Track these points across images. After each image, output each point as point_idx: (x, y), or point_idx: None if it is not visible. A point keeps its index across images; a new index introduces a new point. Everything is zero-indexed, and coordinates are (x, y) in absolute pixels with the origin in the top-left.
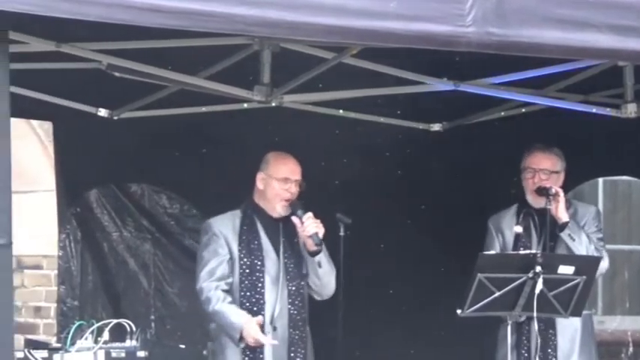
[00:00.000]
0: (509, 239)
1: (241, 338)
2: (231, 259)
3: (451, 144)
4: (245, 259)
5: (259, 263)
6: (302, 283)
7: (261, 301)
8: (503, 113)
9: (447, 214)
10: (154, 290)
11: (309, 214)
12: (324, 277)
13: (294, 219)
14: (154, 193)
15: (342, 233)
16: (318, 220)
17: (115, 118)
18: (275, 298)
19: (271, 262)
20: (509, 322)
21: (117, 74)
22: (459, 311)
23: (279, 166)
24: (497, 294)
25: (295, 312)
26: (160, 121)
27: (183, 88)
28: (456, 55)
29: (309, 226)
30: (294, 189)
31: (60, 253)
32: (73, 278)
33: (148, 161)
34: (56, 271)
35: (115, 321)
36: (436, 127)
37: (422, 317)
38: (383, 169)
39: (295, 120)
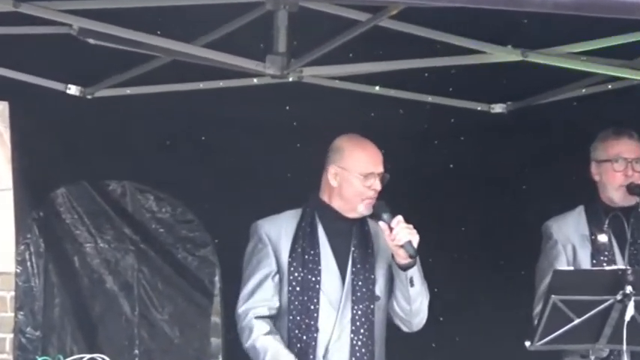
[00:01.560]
0: (583, 251)
1: None
2: (279, 272)
3: (517, 129)
4: (296, 274)
5: (313, 279)
6: (372, 306)
7: (313, 329)
8: (584, 90)
9: (511, 216)
10: (138, 317)
11: (399, 218)
12: (416, 300)
13: (382, 224)
14: (138, 193)
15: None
16: (411, 225)
17: (89, 97)
18: (332, 324)
19: (331, 277)
20: (592, 357)
21: (91, 41)
22: (527, 343)
23: (358, 157)
24: (576, 321)
25: (359, 344)
26: (146, 101)
27: (176, 59)
28: (524, 17)
29: (401, 233)
30: (378, 185)
31: (18, 270)
32: (34, 302)
33: (130, 152)
34: (13, 293)
35: (88, 356)
36: (498, 108)
37: (476, 342)
38: (430, 160)
39: (318, 99)
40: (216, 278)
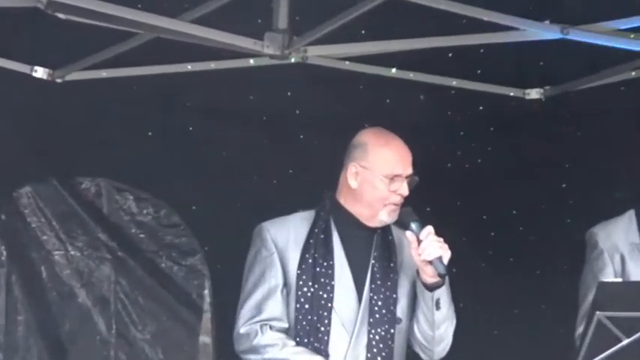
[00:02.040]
0: (633, 262)
1: None
2: (286, 286)
3: (555, 119)
4: (304, 289)
5: (325, 296)
6: (392, 330)
7: (323, 354)
8: (633, 73)
9: (549, 220)
10: (115, 336)
11: (429, 229)
12: (441, 326)
13: (409, 235)
14: (115, 193)
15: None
16: (441, 239)
17: (59, 80)
18: (345, 350)
19: (346, 294)
20: None
21: (61, 16)
22: None
23: (384, 156)
24: (625, 342)
25: None
26: (125, 86)
27: (160, 36)
28: None
29: (430, 247)
30: (405, 189)
31: None
32: None
33: (107, 145)
34: None
35: None
36: (534, 93)
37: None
38: (456, 154)
39: (325, 84)
40: (206, 291)
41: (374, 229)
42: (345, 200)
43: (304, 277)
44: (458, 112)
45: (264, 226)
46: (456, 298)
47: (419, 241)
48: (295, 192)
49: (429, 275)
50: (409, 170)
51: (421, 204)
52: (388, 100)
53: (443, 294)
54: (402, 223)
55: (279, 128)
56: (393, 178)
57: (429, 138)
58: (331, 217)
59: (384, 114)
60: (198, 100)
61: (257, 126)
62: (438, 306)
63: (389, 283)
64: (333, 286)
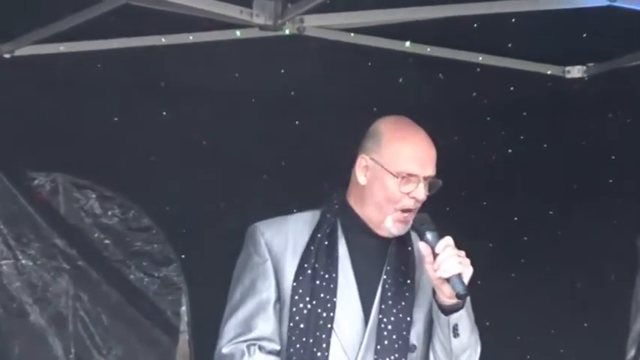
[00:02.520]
0: None
1: None
2: (280, 300)
3: (601, 101)
4: (300, 305)
5: (325, 315)
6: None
7: None
8: None
9: (593, 222)
10: None
11: (448, 240)
12: (461, 357)
13: (422, 247)
14: (74, 190)
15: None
16: (462, 252)
17: (7, 56)
18: None
19: (350, 314)
20: None
21: None
22: None
23: (399, 149)
24: None
25: None
26: (86, 62)
27: (129, 3)
28: None
29: (448, 262)
30: (421, 192)
31: None
32: None
33: (64, 133)
34: None
35: None
36: (575, 71)
37: None
38: (481, 143)
39: (325, 60)
40: (183, 308)
41: (388, 239)
42: (354, 201)
43: (301, 290)
44: (484, 93)
45: (259, 227)
46: (480, 317)
47: (434, 255)
48: (289, 188)
49: (447, 295)
50: (429, 171)
51: (439, 203)
52: (401, 80)
53: (462, 319)
54: (416, 232)
55: (271, 113)
56: (406, 178)
57: (448, 125)
58: (338, 221)
59: (395, 96)
60: (174, 79)
61: (244, 110)
62: (456, 332)
63: (403, 303)
64: (334, 304)
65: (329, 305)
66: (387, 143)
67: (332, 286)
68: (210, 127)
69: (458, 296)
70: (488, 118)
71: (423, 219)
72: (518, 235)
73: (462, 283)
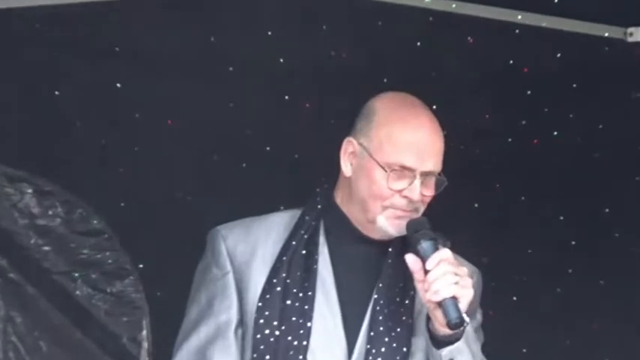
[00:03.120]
0: None
1: None
2: (243, 323)
3: None
4: (266, 330)
5: (296, 342)
6: None
7: None
8: None
9: None
10: None
11: (442, 254)
12: None
13: (411, 260)
14: (6, 184)
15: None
16: (463, 270)
17: None
18: None
19: (329, 341)
20: None
21: None
22: None
23: (393, 135)
24: None
25: None
26: (18, 22)
27: None
28: None
29: (440, 281)
30: (415, 191)
31: None
32: None
33: None
34: None
35: None
36: None
37: None
38: (519, 123)
39: (323, 18)
40: (143, 333)
41: (384, 245)
42: (341, 198)
43: (267, 312)
44: (524, 61)
45: (220, 231)
46: (519, 341)
47: (425, 270)
48: (276, 180)
49: (440, 323)
50: (429, 165)
51: (465, 199)
52: (419, 43)
53: (460, 354)
54: (409, 239)
55: (254, 85)
56: (398, 171)
57: (478, 101)
58: (321, 225)
59: (412, 63)
60: (132, 43)
61: (220, 82)
62: None
63: (398, 330)
64: (309, 330)
65: (302, 332)
66: (378, 125)
67: (307, 307)
68: (178, 103)
69: (450, 325)
70: (529, 92)
71: (418, 224)
72: (566, 238)
73: (457, 309)
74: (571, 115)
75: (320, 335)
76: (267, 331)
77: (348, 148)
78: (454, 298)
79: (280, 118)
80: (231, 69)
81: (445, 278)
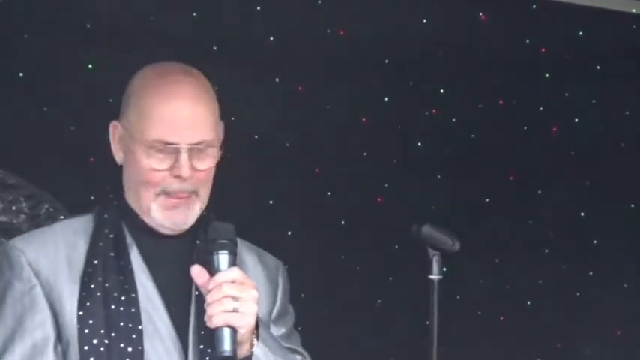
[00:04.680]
0: None
1: None
2: (62, 339)
3: None
4: (94, 340)
5: (130, 349)
6: None
7: None
8: None
9: None
10: None
11: (229, 274)
12: None
13: (194, 271)
14: None
15: (435, 276)
16: (250, 294)
17: None
18: None
19: (162, 344)
20: None
21: None
22: None
23: (147, 108)
24: None
25: None
26: None
27: None
28: None
29: (215, 306)
30: (185, 168)
31: None
32: None
33: None
34: None
35: None
36: None
37: None
38: (540, 109)
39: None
40: None
41: (189, 238)
42: (126, 190)
43: (91, 321)
44: (541, 40)
45: (15, 245)
46: (533, 349)
47: (208, 285)
48: (265, 172)
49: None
50: (194, 136)
51: (480, 193)
52: (425, 20)
53: None
54: (205, 250)
55: (242, 68)
56: (161, 149)
57: (491, 84)
58: (123, 223)
59: (417, 43)
60: (106, 18)
61: (204, 62)
62: None
63: None
64: (140, 333)
65: (134, 336)
66: (134, 102)
67: (133, 310)
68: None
69: (220, 356)
70: (547, 75)
71: (221, 231)
72: (586, 237)
73: (230, 340)
74: (594, 101)
75: (153, 337)
76: (95, 341)
77: (115, 133)
78: (230, 327)
79: (270, 103)
80: (215, 48)
81: (221, 303)
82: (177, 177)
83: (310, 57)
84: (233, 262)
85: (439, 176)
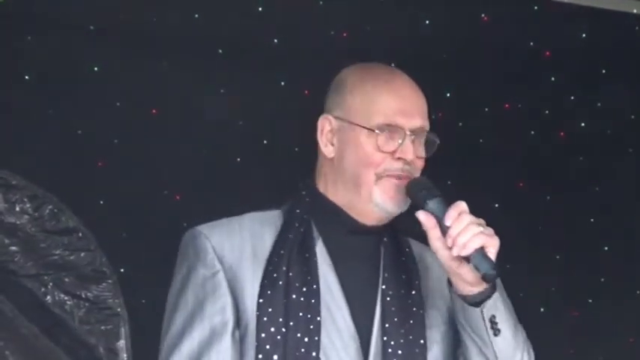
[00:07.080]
0: None
1: None
2: (240, 324)
3: None
4: (272, 328)
5: (307, 339)
6: None
7: None
8: None
9: None
10: None
11: (460, 206)
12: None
13: (423, 217)
14: None
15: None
16: (482, 220)
17: None
18: None
19: (341, 336)
20: None
21: None
22: None
23: (373, 94)
24: None
25: None
26: None
27: None
28: None
29: (467, 233)
30: (410, 150)
31: None
32: None
33: None
34: None
35: None
36: None
37: None
38: (545, 113)
39: None
40: (122, 342)
41: (378, 234)
42: (325, 185)
43: (271, 309)
44: (544, 42)
45: (201, 231)
46: (546, 358)
47: (442, 228)
48: (273, 176)
49: (468, 281)
50: (417, 121)
51: (486, 198)
52: (427, 22)
53: (499, 307)
54: (414, 200)
55: (245, 68)
56: (386, 132)
57: (495, 87)
58: (312, 219)
59: (420, 44)
60: (103, 20)
61: (207, 65)
62: (495, 328)
63: (411, 322)
64: (318, 324)
65: (312, 327)
66: (353, 92)
67: (313, 301)
68: (160, 90)
69: (485, 278)
70: (553, 79)
71: (420, 184)
72: (596, 242)
73: (488, 259)
74: (599, 104)
75: (330, 330)
76: (272, 329)
77: (325, 126)
78: (482, 249)
79: (277, 106)
80: (220, 51)
81: (470, 229)
82: (401, 159)
83: (315, 59)
84: (446, 203)
85: (449, 182)
